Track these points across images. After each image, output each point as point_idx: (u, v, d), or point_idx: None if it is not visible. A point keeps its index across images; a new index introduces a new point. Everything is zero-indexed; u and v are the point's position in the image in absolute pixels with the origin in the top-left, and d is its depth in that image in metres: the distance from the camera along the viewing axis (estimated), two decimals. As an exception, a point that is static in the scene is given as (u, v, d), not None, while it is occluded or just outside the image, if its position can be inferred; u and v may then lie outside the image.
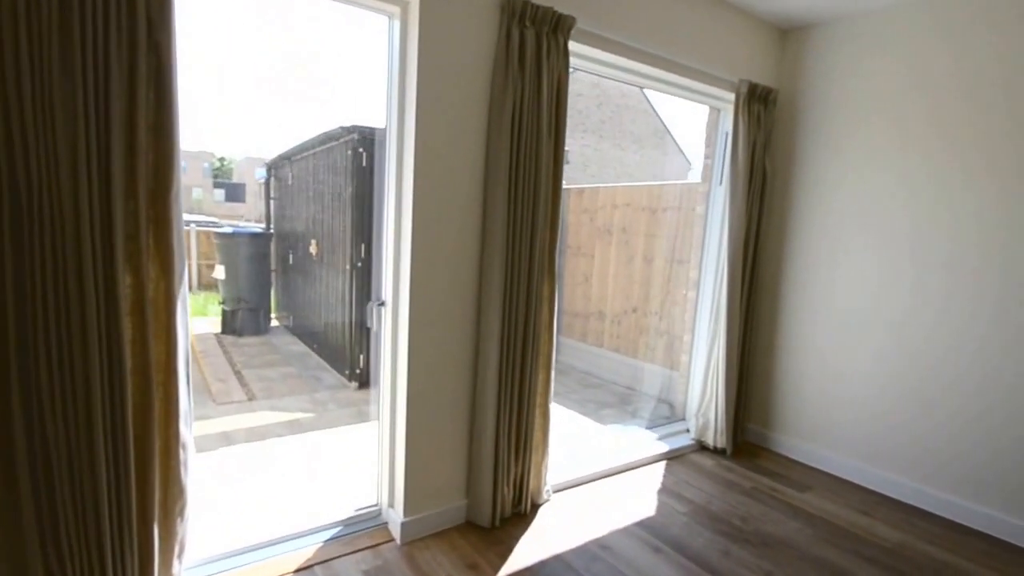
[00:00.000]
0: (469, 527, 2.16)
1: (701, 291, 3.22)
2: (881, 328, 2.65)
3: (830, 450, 2.87)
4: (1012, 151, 2.24)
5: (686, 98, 2.93)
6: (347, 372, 3.97)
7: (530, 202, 2.08)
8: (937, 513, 2.46)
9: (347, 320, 3.87)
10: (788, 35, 3.04)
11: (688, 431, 3.18)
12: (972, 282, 2.35)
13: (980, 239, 2.32)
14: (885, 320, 2.63)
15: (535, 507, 2.31)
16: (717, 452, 3.03)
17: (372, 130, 3.77)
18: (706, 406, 3.09)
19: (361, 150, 3.74)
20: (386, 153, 1.98)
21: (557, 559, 1.99)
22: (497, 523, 2.15)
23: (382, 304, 2.03)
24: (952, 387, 2.42)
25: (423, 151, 1.89)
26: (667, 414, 3.38)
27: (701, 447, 3.08)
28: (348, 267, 3.75)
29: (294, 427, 3.48)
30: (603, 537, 2.14)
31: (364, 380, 3.89)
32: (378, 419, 2.15)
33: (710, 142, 3.24)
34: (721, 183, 3.11)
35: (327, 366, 4.31)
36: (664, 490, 2.57)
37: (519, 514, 2.25)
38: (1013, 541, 2.25)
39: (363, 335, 3.73)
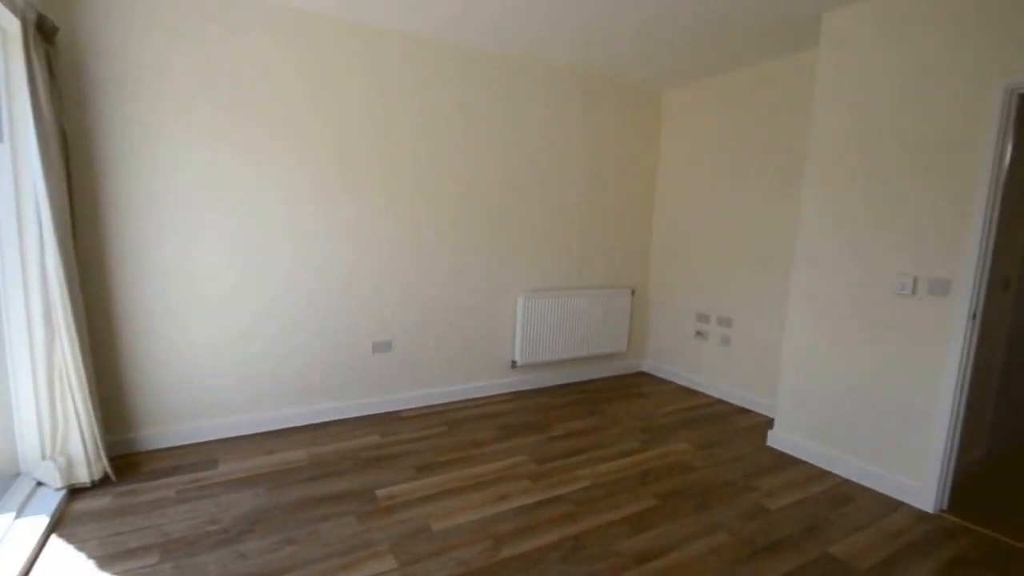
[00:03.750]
0: None
1: (1, 291, 2.23)
2: (227, 302, 2.93)
3: (211, 419, 2.93)
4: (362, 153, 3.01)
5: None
6: None
7: None
8: (308, 423, 3.19)
9: None
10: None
11: (42, 483, 2.28)
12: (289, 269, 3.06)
13: (296, 236, 3.03)
14: (226, 297, 2.92)
15: None
16: (101, 484, 2.39)
17: None
18: (62, 439, 2.33)
19: None
20: None
21: None
22: None
23: None
24: (295, 331, 3.12)
25: None
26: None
27: (75, 491, 2.32)
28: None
29: None
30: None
31: None
32: None
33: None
34: (3, 140, 2.20)
35: None
36: (106, 561, 1.90)
37: None
38: (366, 412, 3.33)
39: None
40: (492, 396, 3.92)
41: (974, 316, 2.31)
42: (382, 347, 3.48)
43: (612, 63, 3.74)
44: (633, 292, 4.53)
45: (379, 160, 3.26)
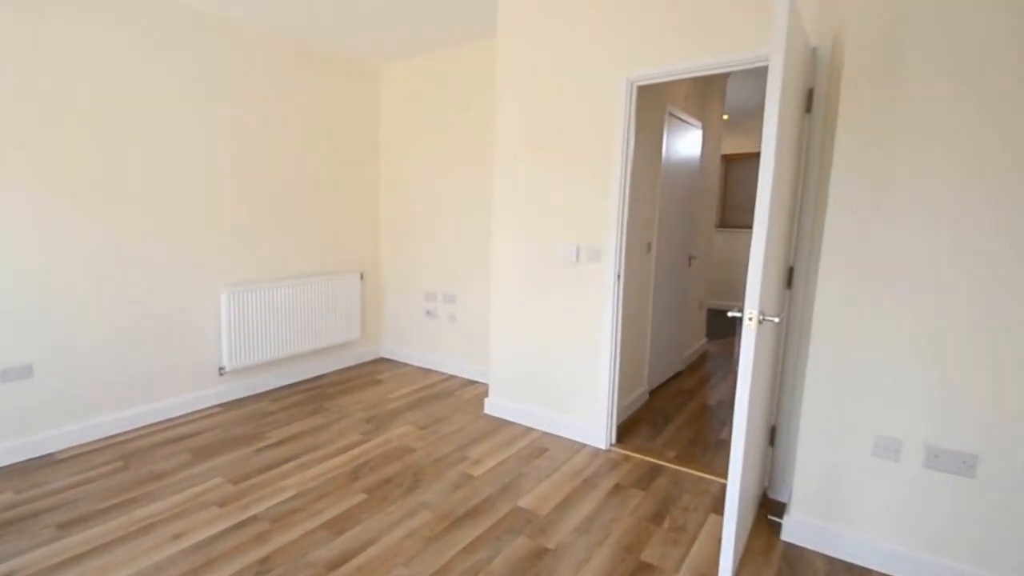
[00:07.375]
0: None
1: None
2: None
3: None
4: None
5: None
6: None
7: None
8: None
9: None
10: None
11: None
12: None
13: None
14: None
15: None
16: None
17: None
18: None
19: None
20: None
21: None
22: None
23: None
24: None
25: None
26: None
27: None
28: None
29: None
30: None
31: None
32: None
33: None
34: None
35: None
36: None
37: None
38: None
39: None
40: (192, 413, 3.30)
41: (619, 276, 2.74)
42: (16, 373, 2.58)
43: (314, 30, 3.39)
44: (362, 276, 4.33)
45: (9, 133, 2.34)
